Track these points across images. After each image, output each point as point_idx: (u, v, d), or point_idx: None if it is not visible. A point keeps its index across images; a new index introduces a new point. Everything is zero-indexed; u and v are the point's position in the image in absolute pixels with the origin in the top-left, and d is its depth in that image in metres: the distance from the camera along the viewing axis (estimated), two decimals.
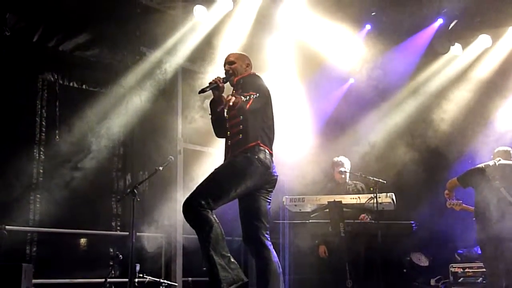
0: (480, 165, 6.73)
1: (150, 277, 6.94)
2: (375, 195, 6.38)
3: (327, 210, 6.51)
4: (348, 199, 6.54)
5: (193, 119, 8.17)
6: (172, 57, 8.24)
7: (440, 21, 8.64)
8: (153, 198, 8.03)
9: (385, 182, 6.72)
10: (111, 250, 7.73)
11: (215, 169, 4.41)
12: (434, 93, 9.43)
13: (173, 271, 8.08)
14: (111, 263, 7.55)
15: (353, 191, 7.13)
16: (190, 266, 8.20)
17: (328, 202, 6.48)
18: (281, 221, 7.78)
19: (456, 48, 9.06)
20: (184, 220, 4.28)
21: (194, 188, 4.32)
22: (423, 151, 9.13)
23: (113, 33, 7.89)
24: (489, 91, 9.06)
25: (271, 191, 4.55)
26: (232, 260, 4.21)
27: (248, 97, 4.24)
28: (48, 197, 7.05)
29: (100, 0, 7.47)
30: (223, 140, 4.69)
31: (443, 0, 8.28)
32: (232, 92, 4.59)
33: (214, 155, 8.12)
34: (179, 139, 8.41)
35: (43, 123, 7.27)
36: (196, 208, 4.17)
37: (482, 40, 9.00)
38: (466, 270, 8.26)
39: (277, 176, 4.56)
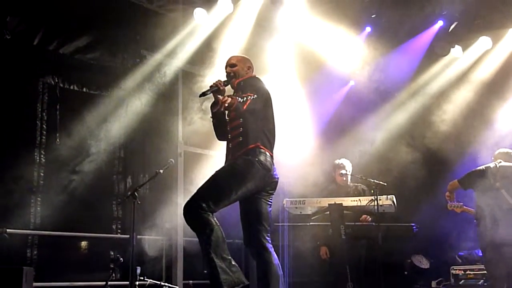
0: (480, 167, 6.73)
1: (151, 280, 6.93)
2: (375, 197, 6.38)
3: (328, 212, 6.51)
4: (348, 201, 6.54)
5: (194, 121, 8.17)
6: (172, 60, 8.25)
7: (440, 23, 8.63)
8: (153, 201, 8.03)
9: (385, 184, 6.72)
10: (112, 253, 7.72)
11: (216, 172, 4.41)
12: (434, 95, 9.44)
13: (174, 274, 8.07)
14: (112, 266, 7.54)
15: (354, 193, 7.12)
16: (191, 269, 8.20)
17: (328, 204, 6.47)
18: (281, 224, 7.78)
19: (456, 50, 9.06)
20: (185, 222, 4.28)
21: (195, 191, 4.32)
22: (424, 153, 9.14)
23: (114, 36, 7.89)
24: (490, 93, 9.05)
25: (272, 194, 4.56)
26: (233, 262, 4.21)
27: (245, 98, 4.24)
28: (49, 200, 7.05)
29: (100, 3, 7.47)
30: (224, 142, 4.70)
31: (443, 2, 8.28)
32: (233, 94, 4.60)
33: (214, 158, 8.11)
34: (179, 141, 8.41)
35: (44, 126, 7.27)
36: (196, 211, 4.17)
37: (483, 42, 9.00)
38: (467, 272, 8.26)
39: (278, 178, 4.56)
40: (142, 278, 6.81)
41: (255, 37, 8.44)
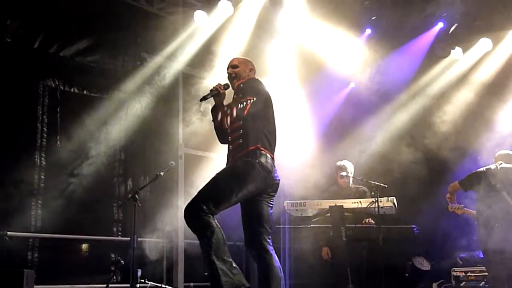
0: (481, 169, 6.73)
1: (151, 283, 6.94)
2: (376, 199, 6.38)
3: (329, 214, 6.51)
4: (349, 203, 6.55)
5: (194, 124, 8.17)
6: (173, 63, 8.25)
7: (440, 25, 8.64)
8: (154, 203, 8.02)
9: (386, 186, 6.72)
10: (113, 256, 7.72)
11: (216, 174, 4.41)
12: (435, 97, 9.44)
13: (175, 276, 8.07)
14: (113, 269, 7.55)
15: (355, 195, 7.12)
16: (191, 271, 8.20)
17: (329, 206, 6.48)
18: (281, 226, 7.78)
19: (456, 51, 9.06)
20: (186, 225, 4.28)
21: (195, 193, 4.32)
22: (425, 154, 9.13)
23: (114, 39, 7.90)
24: (491, 94, 9.05)
25: (273, 196, 4.55)
26: (234, 265, 4.20)
27: (244, 103, 4.24)
28: (49, 203, 7.05)
29: (100, 6, 7.47)
30: (225, 145, 4.70)
31: (444, 4, 8.28)
32: (233, 97, 4.61)
33: (215, 160, 8.11)
34: (180, 144, 8.41)
35: (44, 129, 7.28)
36: (197, 213, 4.17)
37: (483, 43, 9.00)
38: (468, 274, 8.24)
39: (279, 180, 4.56)
40: (143, 280, 6.82)
41: (256, 39, 8.45)
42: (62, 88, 7.51)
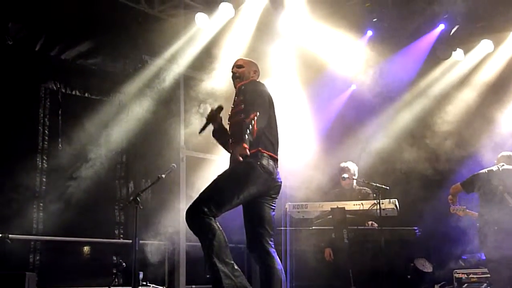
0: (483, 170, 6.72)
1: (153, 285, 6.93)
2: (378, 201, 6.37)
3: (331, 216, 6.50)
4: (351, 205, 6.54)
5: (195, 126, 8.16)
6: (174, 65, 8.26)
7: (441, 26, 8.63)
8: (156, 206, 8.02)
9: (387, 188, 6.71)
10: (114, 258, 7.73)
11: (218, 176, 4.40)
12: (437, 98, 9.43)
13: (177, 279, 8.06)
14: (115, 271, 7.55)
15: (358, 197, 7.11)
16: (193, 273, 8.19)
17: (331, 208, 6.47)
18: (283, 228, 7.77)
19: (458, 53, 9.06)
20: (187, 227, 4.28)
21: (197, 195, 4.32)
22: (427, 156, 9.11)
23: (115, 42, 7.91)
24: (492, 96, 9.04)
25: (275, 198, 4.54)
26: (236, 267, 4.19)
27: (250, 126, 4.11)
28: (51, 206, 7.05)
29: (102, 8, 7.48)
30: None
31: (445, 6, 8.27)
32: (234, 98, 4.61)
33: (216, 162, 8.10)
34: (181, 146, 8.41)
35: (46, 131, 7.29)
36: (199, 216, 4.16)
37: (484, 45, 9.00)
38: (470, 275, 8.23)
39: (281, 182, 4.55)
40: (144, 283, 6.81)
41: (257, 42, 8.45)
42: (63, 90, 7.52)
